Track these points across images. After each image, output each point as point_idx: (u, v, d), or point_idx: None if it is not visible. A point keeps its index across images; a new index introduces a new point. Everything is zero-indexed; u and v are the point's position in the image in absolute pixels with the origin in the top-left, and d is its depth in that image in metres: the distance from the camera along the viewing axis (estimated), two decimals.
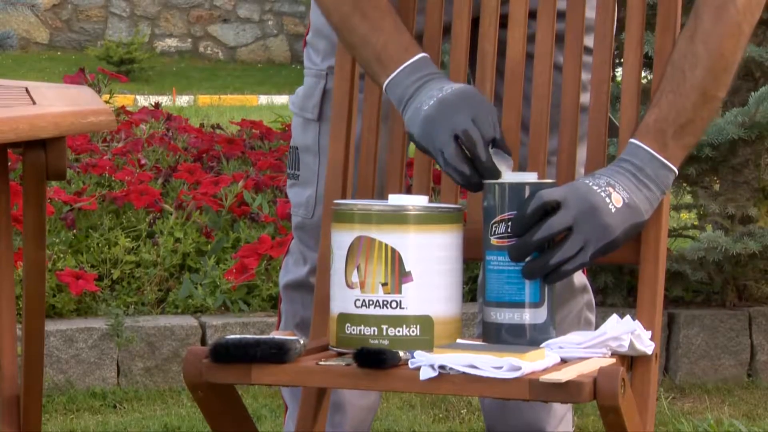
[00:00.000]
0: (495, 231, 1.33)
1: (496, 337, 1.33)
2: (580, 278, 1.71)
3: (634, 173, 1.33)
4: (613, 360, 1.31)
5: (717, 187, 3.03)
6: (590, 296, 1.73)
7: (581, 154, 1.47)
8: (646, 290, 1.40)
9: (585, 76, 1.52)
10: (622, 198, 1.31)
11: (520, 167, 1.48)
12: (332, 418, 1.68)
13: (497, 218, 1.32)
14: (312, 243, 1.67)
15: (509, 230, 1.31)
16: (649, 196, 1.33)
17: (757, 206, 2.96)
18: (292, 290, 1.71)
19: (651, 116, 1.35)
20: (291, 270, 1.72)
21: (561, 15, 1.50)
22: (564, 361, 1.29)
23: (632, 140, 1.35)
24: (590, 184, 1.31)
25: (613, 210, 1.30)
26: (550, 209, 1.30)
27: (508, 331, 1.32)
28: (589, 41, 1.49)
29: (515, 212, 1.31)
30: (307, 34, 1.70)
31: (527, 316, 1.32)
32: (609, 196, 1.30)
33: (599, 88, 1.46)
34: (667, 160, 1.34)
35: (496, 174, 1.33)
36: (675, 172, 1.35)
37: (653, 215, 1.40)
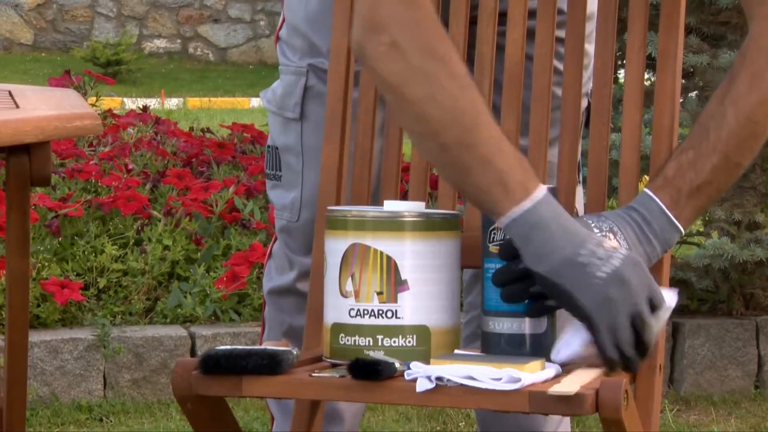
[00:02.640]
0: (493, 238, 1.33)
1: (495, 347, 1.33)
2: None
3: (641, 225, 1.32)
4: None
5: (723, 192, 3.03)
6: None
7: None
8: None
9: (585, 76, 1.52)
10: (620, 245, 1.30)
11: None
12: (328, 427, 1.68)
13: (495, 225, 1.32)
14: (297, 247, 1.66)
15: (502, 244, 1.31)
16: (649, 252, 1.33)
17: (764, 212, 2.96)
18: (277, 296, 1.70)
19: (670, 170, 1.34)
20: (275, 275, 1.71)
21: (559, 12, 1.50)
22: (563, 371, 1.29)
23: (646, 190, 1.34)
24: (592, 225, 1.30)
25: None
26: None
27: (507, 341, 1.32)
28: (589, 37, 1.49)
29: None
30: (280, 29, 1.69)
31: (527, 326, 1.32)
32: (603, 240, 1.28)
33: (601, 92, 1.46)
34: (677, 219, 1.33)
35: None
36: (681, 233, 1.34)
37: None
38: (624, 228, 1.32)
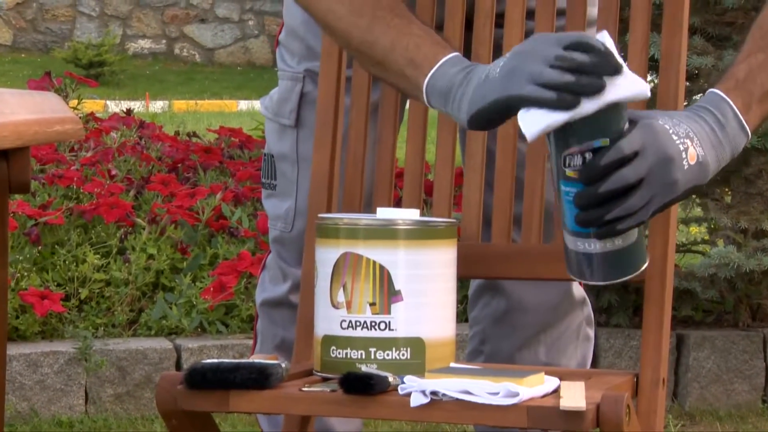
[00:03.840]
0: (569, 163, 1.28)
1: (575, 265, 1.30)
2: (579, 290, 1.72)
3: (714, 129, 1.30)
4: (621, 379, 1.31)
5: (729, 199, 3.04)
6: (590, 310, 1.74)
7: None
8: (652, 310, 1.40)
9: None
10: (697, 155, 1.28)
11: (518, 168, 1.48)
12: None
13: (571, 150, 1.27)
14: (291, 258, 1.67)
15: (582, 168, 1.26)
16: (719, 156, 1.30)
17: None
18: (270, 308, 1.71)
19: (741, 71, 1.32)
20: (268, 287, 1.72)
21: (560, 13, 1.50)
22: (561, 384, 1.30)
23: (718, 91, 1.32)
24: (670, 131, 1.27)
25: (685, 166, 1.27)
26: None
27: (599, 259, 1.28)
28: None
29: (593, 147, 1.25)
30: (280, 33, 1.70)
31: (620, 240, 1.27)
32: (686, 150, 1.27)
33: None
34: (747, 124, 1.32)
35: (601, 85, 1.23)
36: (749, 138, 1.32)
37: (659, 229, 1.40)
38: (700, 132, 1.29)
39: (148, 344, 2.79)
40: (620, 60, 1.25)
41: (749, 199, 2.97)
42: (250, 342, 2.84)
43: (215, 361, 1.32)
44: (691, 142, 1.28)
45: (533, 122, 1.26)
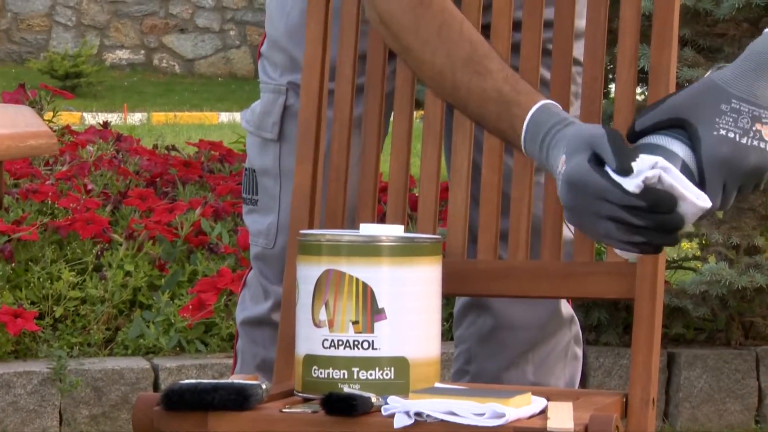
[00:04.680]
0: None
1: None
2: (567, 309, 1.72)
3: None
4: (609, 400, 1.32)
5: (720, 214, 3.05)
6: (578, 329, 1.74)
7: None
8: (642, 328, 1.40)
9: (573, 89, 1.53)
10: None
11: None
12: None
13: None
14: (273, 275, 1.67)
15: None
16: None
17: (764, 235, 2.98)
18: (251, 327, 1.71)
19: None
20: (249, 305, 1.71)
21: (547, 24, 1.51)
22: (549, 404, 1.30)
23: None
24: (736, 138, 1.26)
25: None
26: None
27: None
28: (578, 50, 1.50)
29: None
30: (262, 44, 1.70)
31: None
32: (759, 138, 1.26)
33: (590, 107, 1.47)
34: None
35: (671, 200, 1.24)
36: None
37: None
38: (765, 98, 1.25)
39: (124, 364, 2.78)
40: (672, 187, 1.24)
41: (741, 215, 2.98)
42: (230, 361, 2.83)
43: (193, 381, 1.31)
44: (759, 123, 1.26)
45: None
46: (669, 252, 3.44)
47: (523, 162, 1.49)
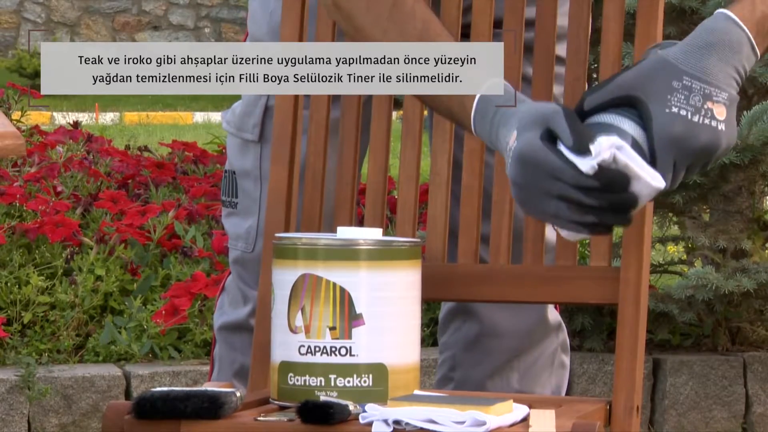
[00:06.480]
0: None
1: None
2: (554, 315, 1.72)
3: (736, 68, 1.29)
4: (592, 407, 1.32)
5: (707, 217, 3.06)
6: (565, 336, 1.74)
7: None
8: (626, 334, 1.41)
9: (557, 90, 1.53)
10: (725, 108, 1.27)
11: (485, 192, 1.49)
12: None
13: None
14: (252, 280, 1.66)
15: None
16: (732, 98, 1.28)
17: (751, 239, 2.99)
18: (228, 333, 1.71)
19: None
20: (227, 310, 1.71)
21: (529, 23, 1.51)
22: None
23: (725, 12, 1.31)
24: (688, 116, 1.26)
25: (720, 129, 1.26)
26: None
27: None
28: (561, 50, 1.51)
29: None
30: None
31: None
32: (711, 116, 1.27)
33: (572, 107, 1.47)
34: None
35: (625, 179, 1.25)
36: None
37: (633, 249, 1.41)
38: (719, 77, 1.27)
39: (95, 371, 2.77)
40: (627, 166, 1.24)
41: (728, 217, 2.99)
42: (204, 368, 2.82)
43: (165, 389, 1.31)
44: (711, 102, 1.27)
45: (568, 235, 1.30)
46: (654, 256, 3.45)
47: (504, 163, 1.49)
